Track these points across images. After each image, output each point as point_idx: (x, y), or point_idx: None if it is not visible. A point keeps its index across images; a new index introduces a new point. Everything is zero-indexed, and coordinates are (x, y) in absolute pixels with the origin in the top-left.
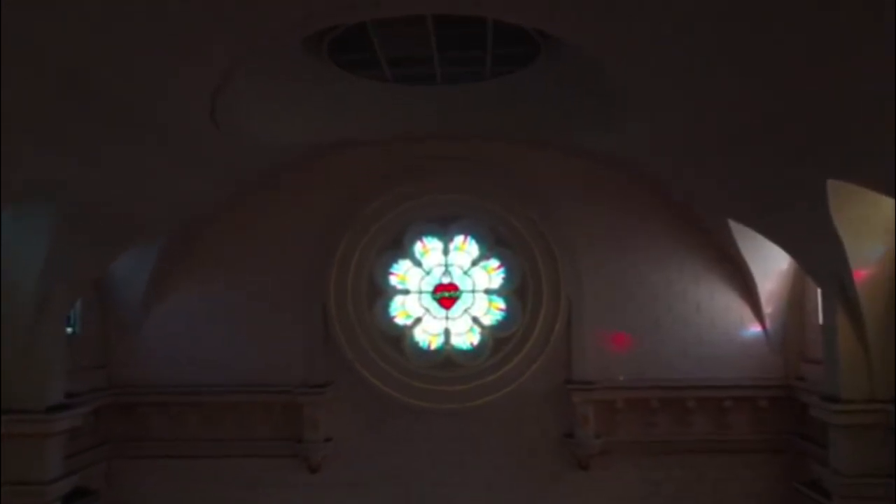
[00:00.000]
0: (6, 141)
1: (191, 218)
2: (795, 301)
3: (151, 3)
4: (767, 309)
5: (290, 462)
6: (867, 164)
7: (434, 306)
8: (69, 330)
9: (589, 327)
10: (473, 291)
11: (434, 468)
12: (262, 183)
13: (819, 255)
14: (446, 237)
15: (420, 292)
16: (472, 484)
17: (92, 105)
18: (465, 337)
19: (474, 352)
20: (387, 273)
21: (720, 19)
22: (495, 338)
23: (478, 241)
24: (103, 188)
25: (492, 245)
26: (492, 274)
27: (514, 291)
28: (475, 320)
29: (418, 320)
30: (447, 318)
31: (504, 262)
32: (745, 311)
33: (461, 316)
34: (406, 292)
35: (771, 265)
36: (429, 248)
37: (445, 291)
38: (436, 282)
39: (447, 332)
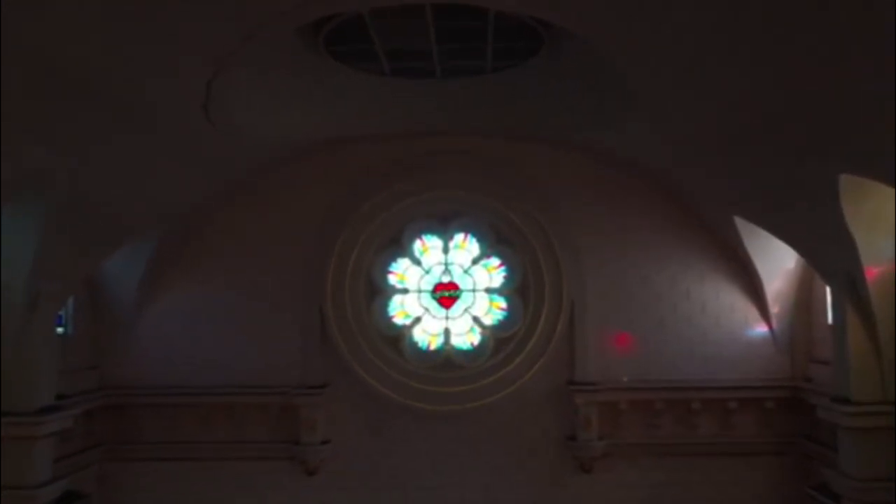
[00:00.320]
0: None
1: (185, 215)
2: (803, 300)
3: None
4: (774, 308)
5: (286, 465)
6: (879, 157)
7: (434, 306)
8: (60, 329)
9: (592, 327)
10: (474, 290)
11: (434, 471)
12: (257, 180)
13: (829, 253)
14: (446, 235)
15: (419, 291)
16: (471, 487)
17: (82, 100)
18: (466, 337)
19: (475, 352)
20: (385, 272)
21: (721, 18)
22: (496, 338)
23: (478, 239)
24: (94, 184)
25: (492, 243)
26: (492, 273)
27: (515, 290)
28: (476, 320)
29: (417, 320)
30: (447, 317)
31: (505, 261)
32: (752, 310)
33: (461, 315)
34: (405, 291)
35: (778, 264)
36: (428, 247)
37: (445, 290)
38: (435, 281)
39: (447, 332)
